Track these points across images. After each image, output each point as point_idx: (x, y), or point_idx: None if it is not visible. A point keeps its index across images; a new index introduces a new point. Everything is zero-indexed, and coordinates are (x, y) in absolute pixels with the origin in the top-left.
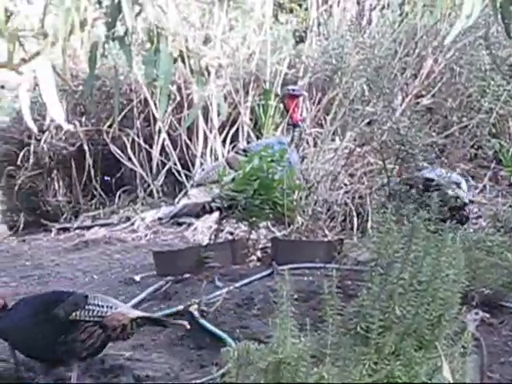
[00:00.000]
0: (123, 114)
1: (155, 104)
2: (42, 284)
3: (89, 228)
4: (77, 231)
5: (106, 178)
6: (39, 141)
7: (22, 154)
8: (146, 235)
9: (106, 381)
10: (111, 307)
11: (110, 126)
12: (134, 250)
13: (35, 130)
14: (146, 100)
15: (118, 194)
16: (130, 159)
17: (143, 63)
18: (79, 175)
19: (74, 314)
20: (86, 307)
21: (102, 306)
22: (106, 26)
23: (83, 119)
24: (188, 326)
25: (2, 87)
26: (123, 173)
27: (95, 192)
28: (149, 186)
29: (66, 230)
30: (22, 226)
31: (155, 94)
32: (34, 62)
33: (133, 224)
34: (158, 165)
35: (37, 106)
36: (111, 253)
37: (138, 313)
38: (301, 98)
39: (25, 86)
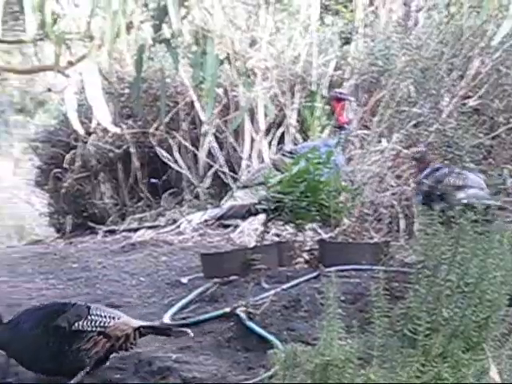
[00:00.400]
0: (170, 116)
1: (202, 106)
2: (90, 286)
3: (136, 230)
4: (124, 233)
5: (152, 180)
6: (86, 143)
7: (68, 156)
8: (192, 237)
9: (153, 382)
10: (114, 317)
11: (156, 129)
12: (181, 252)
13: (82, 132)
14: (192, 102)
15: (164, 196)
16: (176, 162)
17: (190, 66)
18: (126, 178)
19: (76, 324)
20: (89, 317)
21: (105, 317)
22: (152, 29)
23: (130, 122)
24: (191, 334)
25: (49, 90)
26: (170, 175)
27: (142, 194)
28: (195, 188)
29: (112, 232)
30: (69, 228)
31: (202, 97)
32: (80, 64)
33: (179, 226)
34: (204, 167)
35: (83, 108)
36: (158, 255)
37: (140, 322)
38: (347, 101)
39: (71, 88)
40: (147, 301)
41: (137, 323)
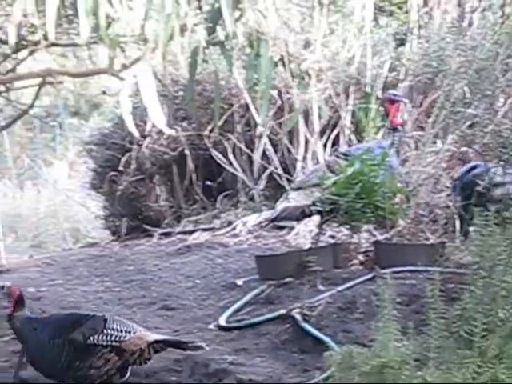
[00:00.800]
0: (224, 118)
1: (256, 108)
2: (145, 289)
3: (191, 233)
4: (179, 236)
5: (207, 182)
6: (141, 146)
7: (123, 159)
8: (247, 239)
9: None
10: (129, 332)
11: (211, 131)
12: (236, 254)
13: (137, 135)
14: (246, 104)
15: (219, 198)
16: (231, 164)
17: (244, 68)
18: (181, 180)
19: (91, 338)
20: (105, 331)
21: (121, 331)
22: (206, 31)
23: (184, 124)
24: (207, 348)
25: (104, 93)
26: (224, 177)
27: (197, 197)
28: (250, 190)
29: (168, 234)
30: (124, 231)
31: (256, 99)
32: (134, 67)
33: (234, 228)
34: (259, 169)
35: (138, 111)
36: (213, 257)
37: (155, 336)
38: (401, 103)
39: (126, 91)
40: (202, 303)
41: (152, 338)
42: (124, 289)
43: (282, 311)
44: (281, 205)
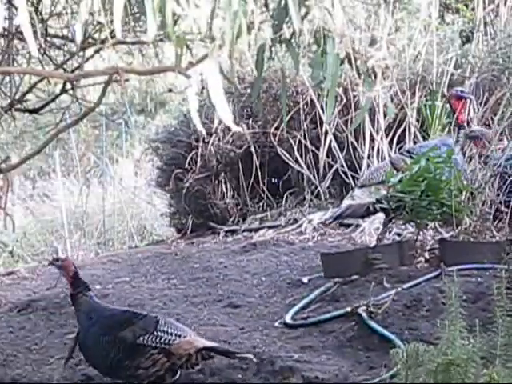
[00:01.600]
0: (290, 116)
1: (322, 106)
2: (211, 286)
3: (256, 230)
4: (244, 233)
5: (273, 180)
6: (207, 144)
7: (189, 156)
8: (313, 237)
9: (275, 382)
10: (179, 335)
11: (276, 129)
12: (302, 251)
13: (204, 132)
14: (312, 102)
15: (285, 196)
16: (297, 161)
17: (310, 65)
18: (246, 178)
19: (141, 338)
20: (155, 333)
21: (171, 334)
22: (272, 29)
23: (250, 122)
24: (254, 360)
25: (170, 91)
26: (290, 175)
27: (262, 194)
28: (316, 187)
29: (233, 232)
30: (190, 228)
31: (322, 96)
32: (201, 65)
33: (300, 226)
34: (324, 167)
35: (204, 108)
36: (279, 255)
37: (204, 342)
38: (467, 100)
39: (193, 89)
40: (268, 300)
41: (201, 344)
42: (190, 286)
43: (348, 309)
44: (345, 202)
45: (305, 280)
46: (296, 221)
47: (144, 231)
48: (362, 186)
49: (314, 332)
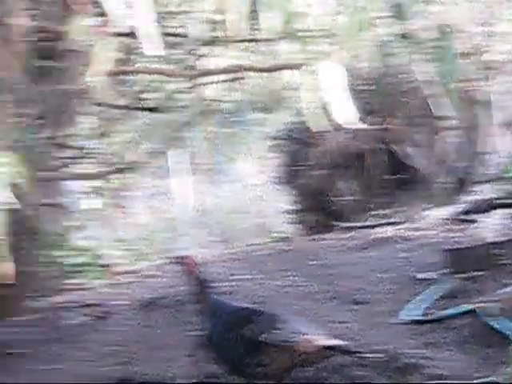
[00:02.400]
0: (409, 112)
1: (440, 102)
2: (332, 283)
3: (375, 227)
4: (364, 230)
5: (392, 176)
6: (328, 140)
7: (310, 153)
8: (432, 233)
9: (399, 379)
10: (300, 333)
11: (395, 125)
12: (421, 248)
13: (320, 130)
14: (431, 98)
15: (403, 192)
16: (414, 158)
17: (430, 61)
18: (366, 174)
19: (262, 335)
20: (276, 331)
21: (292, 332)
22: (392, 25)
23: (370, 118)
24: (376, 359)
25: (289, 88)
26: (408, 171)
27: (382, 191)
28: (433, 184)
29: (353, 228)
30: (311, 225)
31: (441, 92)
32: (322, 62)
33: (419, 222)
34: (441, 162)
35: (325, 105)
36: (398, 251)
37: (326, 341)
38: None
39: (312, 86)
40: (389, 297)
41: (323, 342)
42: (311, 283)
43: (470, 305)
44: (466, 198)
45: (425, 276)
46: (414, 217)
47: (265, 228)
48: (482, 182)
49: (436, 328)
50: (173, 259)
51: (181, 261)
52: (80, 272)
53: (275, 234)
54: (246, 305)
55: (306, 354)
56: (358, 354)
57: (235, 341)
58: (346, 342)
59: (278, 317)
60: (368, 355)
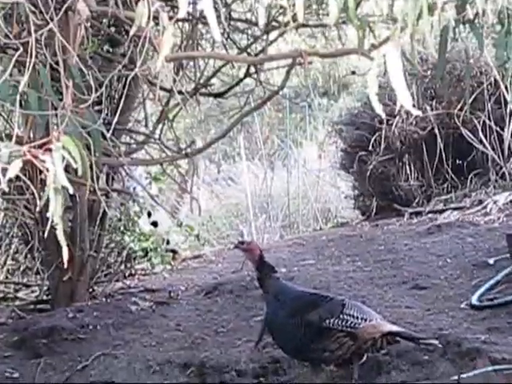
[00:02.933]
0: (474, 96)
1: (506, 86)
2: (396, 268)
3: (441, 212)
4: (429, 215)
5: (458, 161)
6: (390, 125)
7: (373, 138)
8: (498, 218)
9: (462, 364)
10: (365, 319)
11: (460, 110)
12: (487, 232)
13: (383, 115)
14: (496, 82)
15: (469, 177)
16: (481, 142)
17: (494, 45)
18: (430, 159)
19: (327, 321)
20: (341, 316)
21: (357, 318)
22: (455, 10)
23: (434, 103)
24: (439, 346)
25: (353, 73)
26: (475, 156)
27: (447, 176)
28: (501, 168)
29: (418, 214)
30: (374, 210)
31: (506, 77)
32: (383, 47)
33: (485, 207)
34: (509, 147)
35: (387, 90)
36: (464, 236)
37: (390, 327)
38: None
39: (374, 71)
40: (454, 282)
41: (387, 328)
42: (375, 268)
43: None
44: None
45: (491, 261)
46: (481, 202)
47: (328, 214)
48: None
49: (500, 313)
50: (237, 244)
51: (245, 246)
52: (146, 257)
53: (339, 220)
54: (311, 290)
55: (372, 340)
56: (422, 341)
57: (300, 326)
58: (410, 329)
59: (345, 302)
60: (431, 341)
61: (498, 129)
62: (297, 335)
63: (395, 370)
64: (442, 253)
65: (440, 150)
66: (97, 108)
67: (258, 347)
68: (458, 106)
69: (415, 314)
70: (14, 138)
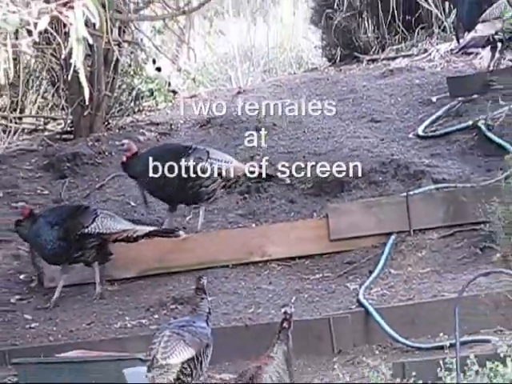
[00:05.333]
0: None
1: None
2: (356, 105)
3: (393, 59)
4: (383, 61)
5: (407, 17)
6: None
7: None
8: (440, 64)
9: (410, 183)
10: (228, 161)
11: None
12: (431, 76)
13: None
14: None
15: (417, 30)
16: (426, 0)
17: None
18: (385, 15)
19: (200, 164)
20: (209, 160)
21: (221, 161)
22: None
23: None
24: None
25: None
26: (421, 12)
27: (398, 29)
28: (443, 22)
29: (374, 60)
30: (338, 58)
31: None
32: None
33: (430, 55)
34: (450, 5)
35: None
36: (412, 79)
37: (250, 164)
38: None
39: None
40: (403, 116)
41: (246, 167)
42: (339, 106)
43: (470, 122)
44: (469, 35)
45: (434, 99)
46: (426, 50)
47: (301, 60)
48: (483, 21)
49: (441, 142)
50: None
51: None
52: (151, 96)
53: (310, 66)
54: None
55: (236, 178)
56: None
57: (179, 170)
58: (368, 153)
59: (208, 151)
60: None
61: None
62: (174, 180)
63: (355, 189)
64: (394, 92)
65: (393, 7)
66: None
67: None
68: None
69: (371, 143)
70: None
